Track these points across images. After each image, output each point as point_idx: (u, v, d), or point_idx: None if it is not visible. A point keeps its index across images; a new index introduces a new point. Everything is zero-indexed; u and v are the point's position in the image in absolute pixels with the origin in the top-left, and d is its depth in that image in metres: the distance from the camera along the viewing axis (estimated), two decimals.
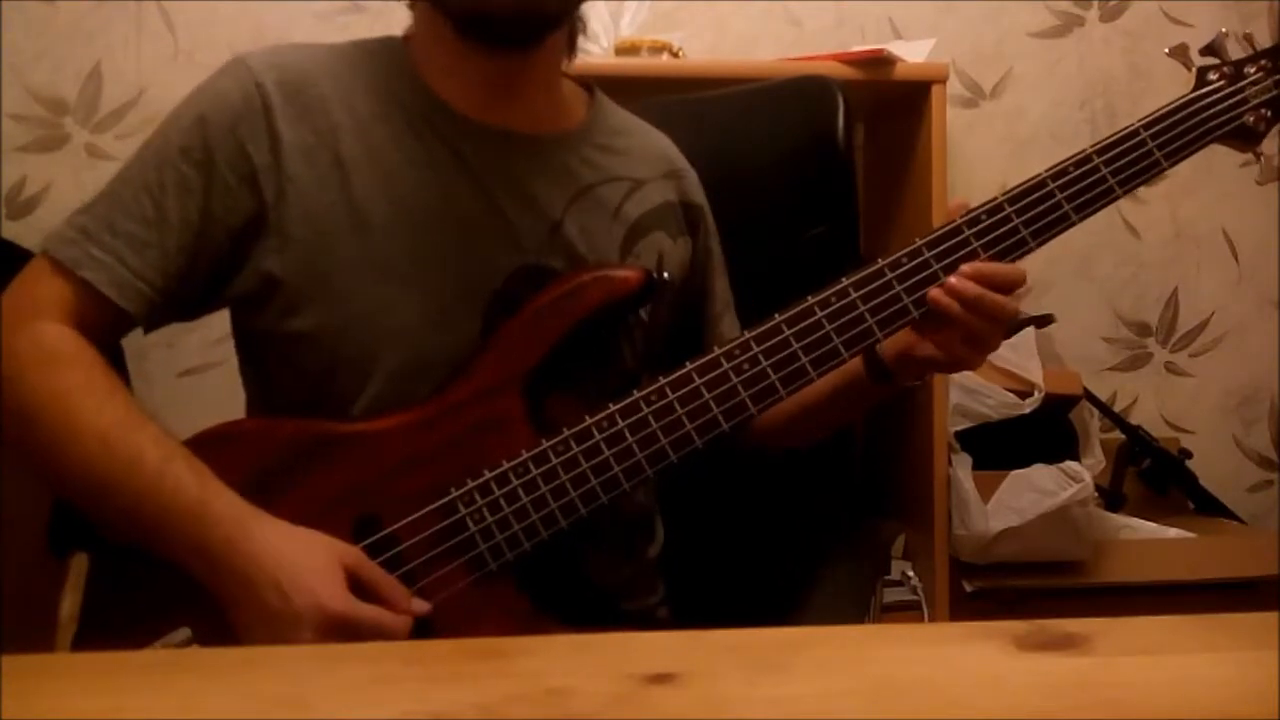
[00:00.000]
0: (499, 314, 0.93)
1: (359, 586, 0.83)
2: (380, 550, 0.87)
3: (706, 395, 0.89)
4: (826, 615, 1.04)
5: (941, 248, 0.90)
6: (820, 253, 1.18)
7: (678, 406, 0.89)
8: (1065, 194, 0.91)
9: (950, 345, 0.91)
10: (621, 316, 0.97)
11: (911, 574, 1.71)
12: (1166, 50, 0.96)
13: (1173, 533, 1.81)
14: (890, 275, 0.90)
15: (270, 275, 0.91)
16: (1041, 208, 0.91)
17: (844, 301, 0.90)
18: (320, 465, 0.89)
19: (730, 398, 0.89)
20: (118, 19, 1.94)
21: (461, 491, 0.88)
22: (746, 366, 0.89)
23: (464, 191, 0.94)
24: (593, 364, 0.96)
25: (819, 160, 1.20)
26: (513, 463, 0.88)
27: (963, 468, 1.67)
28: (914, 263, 0.90)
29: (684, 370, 0.90)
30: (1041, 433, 1.73)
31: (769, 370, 0.89)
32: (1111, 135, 0.92)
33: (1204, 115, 0.93)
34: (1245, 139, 0.95)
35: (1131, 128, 0.92)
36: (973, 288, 0.89)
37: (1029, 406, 1.69)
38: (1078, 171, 0.91)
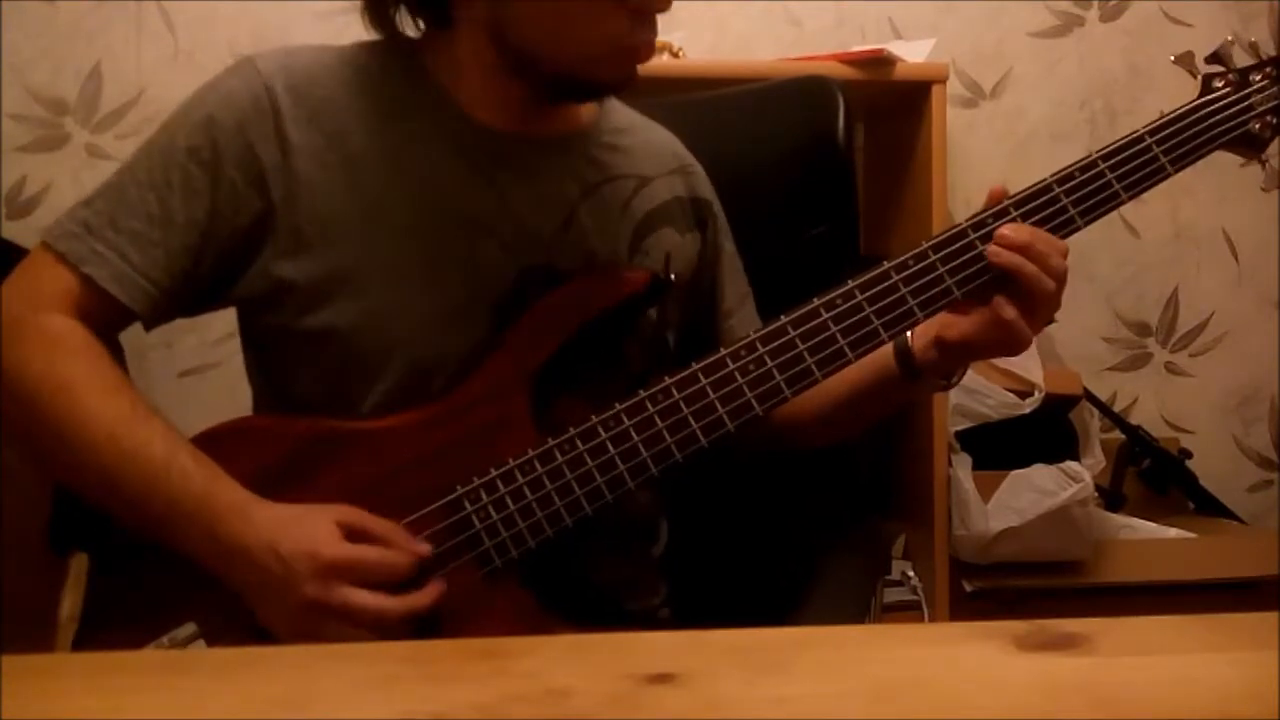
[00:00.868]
0: (508, 314, 0.93)
1: (357, 537, 0.84)
2: None
3: (712, 395, 0.89)
4: (826, 615, 1.04)
5: (947, 250, 0.90)
6: (820, 253, 1.18)
7: (683, 406, 0.89)
8: (1070, 198, 0.91)
9: (992, 323, 0.89)
10: (629, 317, 0.97)
11: (911, 574, 1.71)
12: (1172, 58, 0.96)
13: (1173, 533, 1.81)
14: (896, 278, 0.90)
15: (281, 276, 0.92)
16: (1047, 212, 0.91)
17: (850, 304, 0.90)
18: (328, 462, 0.90)
19: (736, 398, 0.89)
20: (118, 19, 1.94)
21: (467, 489, 0.88)
22: (752, 367, 0.90)
23: (474, 193, 0.95)
24: (600, 364, 0.96)
25: (819, 160, 1.20)
26: (518, 461, 0.88)
27: (963, 468, 1.67)
28: (919, 265, 0.90)
29: (690, 370, 0.90)
30: (1041, 433, 1.73)
31: (774, 371, 0.89)
32: (1117, 141, 0.92)
33: (1210, 122, 0.93)
34: (1250, 146, 0.95)
35: (1137, 134, 0.92)
36: (1021, 230, 0.88)
37: (1029, 406, 1.69)
38: (1083, 176, 0.91)
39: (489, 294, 0.93)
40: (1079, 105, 2.11)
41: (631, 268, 0.98)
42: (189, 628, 0.86)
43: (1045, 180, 0.91)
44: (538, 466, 0.88)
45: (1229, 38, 0.96)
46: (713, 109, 1.29)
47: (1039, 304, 0.88)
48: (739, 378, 0.89)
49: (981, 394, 1.70)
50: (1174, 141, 0.92)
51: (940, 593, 1.68)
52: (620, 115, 1.07)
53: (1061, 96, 2.10)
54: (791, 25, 2.05)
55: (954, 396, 1.70)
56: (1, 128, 1.91)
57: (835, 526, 1.19)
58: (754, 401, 0.89)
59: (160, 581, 0.87)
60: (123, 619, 0.89)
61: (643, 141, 1.06)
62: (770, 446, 1.09)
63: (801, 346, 0.89)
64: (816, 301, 0.90)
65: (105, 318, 0.91)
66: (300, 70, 0.94)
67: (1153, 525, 1.83)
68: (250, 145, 0.91)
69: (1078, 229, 0.91)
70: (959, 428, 1.71)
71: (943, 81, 1.70)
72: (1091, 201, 0.91)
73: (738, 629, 0.54)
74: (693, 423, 0.89)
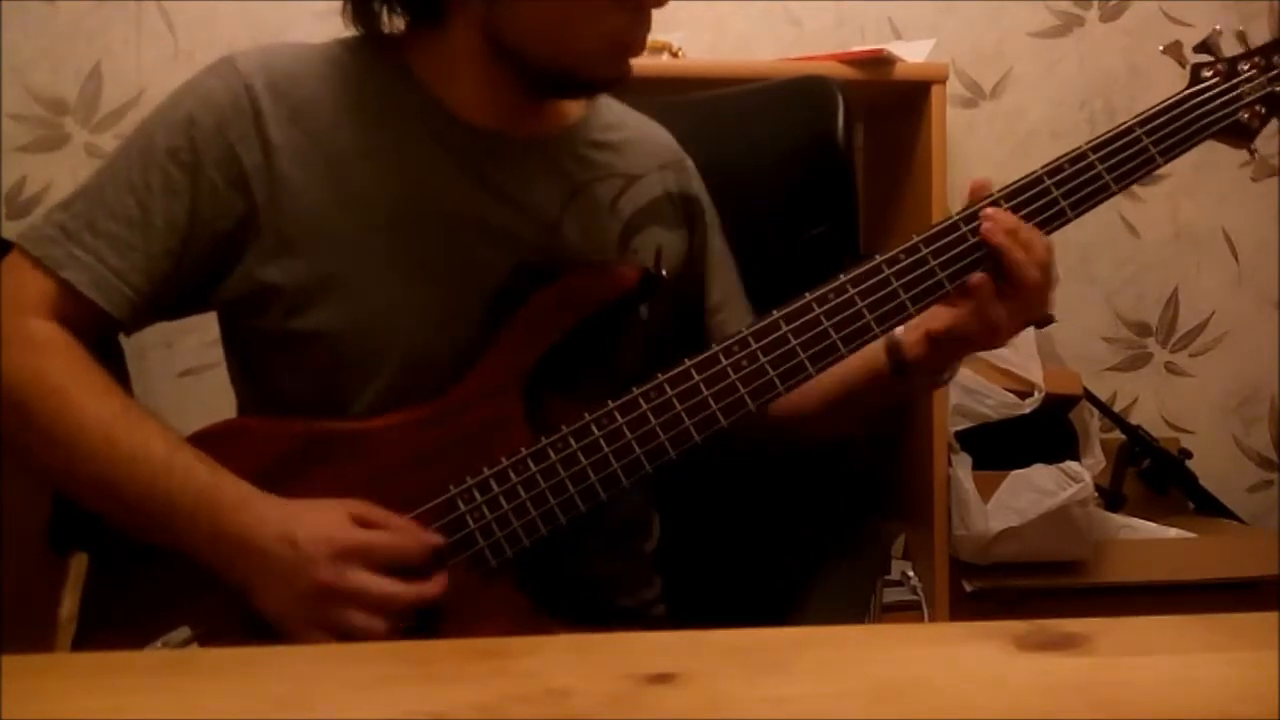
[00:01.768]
0: (499, 313, 0.93)
1: (370, 527, 0.84)
2: None
3: (705, 392, 0.89)
4: (826, 615, 1.04)
5: (938, 244, 0.90)
6: (820, 253, 1.18)
7: (677, 403, 0.89)
8: (1061, 190, 0.91)
9: (974, 314, 0.89)
10: (621, 315, 0.97)
11: (911, 574, 1.71)
12: (1161, 48, 0.96)
13: (1173, 533, 1.81)
14: (888, 272, 0.90)
15: (265, 279, 0.91)
16: (1037, 204, 0.91)
17: (842, 298, 0.90)
18: (321, 463, 0.89)
19: (729, 394, 0.89)
20: (118, 19, 1.94)
21: (460, 489, 0.88)
22: (745, 364, 0.89)
23: (461, 191, 0.94)
24: (593, 362, 0.96)
25: (819, 160, 1.20)
26: (511, 460, 0.88)
27: (963, 468, 1.67)
28: (911, 259, 0.90)
29: (683, 367, 0.90)
30: (1041, 433, 1.73)
31: (767, 367, 0.89)
32: (1107, 132, 0.92)
33: (1199, 112, 0.93)
34: (1240, 135, 0.95)
35: (1127, 125, 0.92)
36: (1008, 215, 0.89)
37: (1029, 406, 1.69)
38: (1073, 169, 0.91)
39: (479, 293, 0.93)
40: (1079, 105, 2.11)
41: (623, 264, 0.98)
42: (183, 631, 0.86)
43: (1035, 172, 0.92)
44: (531, 465, 0.88)
45: (1217, 27, 0.96)
46: (712, 109, 1.29)
47: (1021, 291, 0.89)
48: (732, 374, 0.89)
49: (981, 394, 1.70)
50: (1163, 132, 0.92)
51: (940, 593, 1.68)
52: (610, 112, 1.07)
53: (1061, 96, 2.10)
54: (791, 25, 2.05)
55: (954, 396, 1.70)
56: (1, 128, 1.91)
57: (835, 526, 1.19)
58: (747, 397, 0.89)
59: (157, 583, 0.87)
60: (119, 620, 0.89)
61: (632, 138, 1.06)
62: (764, 442, 1.09)
63: (794, 341, 0.89)
64: (809, 296, 0.90)
65: (85, 322, 0.90)
66: (280, 69, 0.94)
67: (1153, 525, 1.83)
68: (231, 146, 0.90)
69: (1068, 220, 0.91)
70: (959, 428, 1.71)
71: (943, 81, 1.70)
72: (1082, 193, 0.91)
73: (738, 629, 0.54)
74: (686, 419, 0.89)
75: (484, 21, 0.92)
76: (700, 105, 1.29)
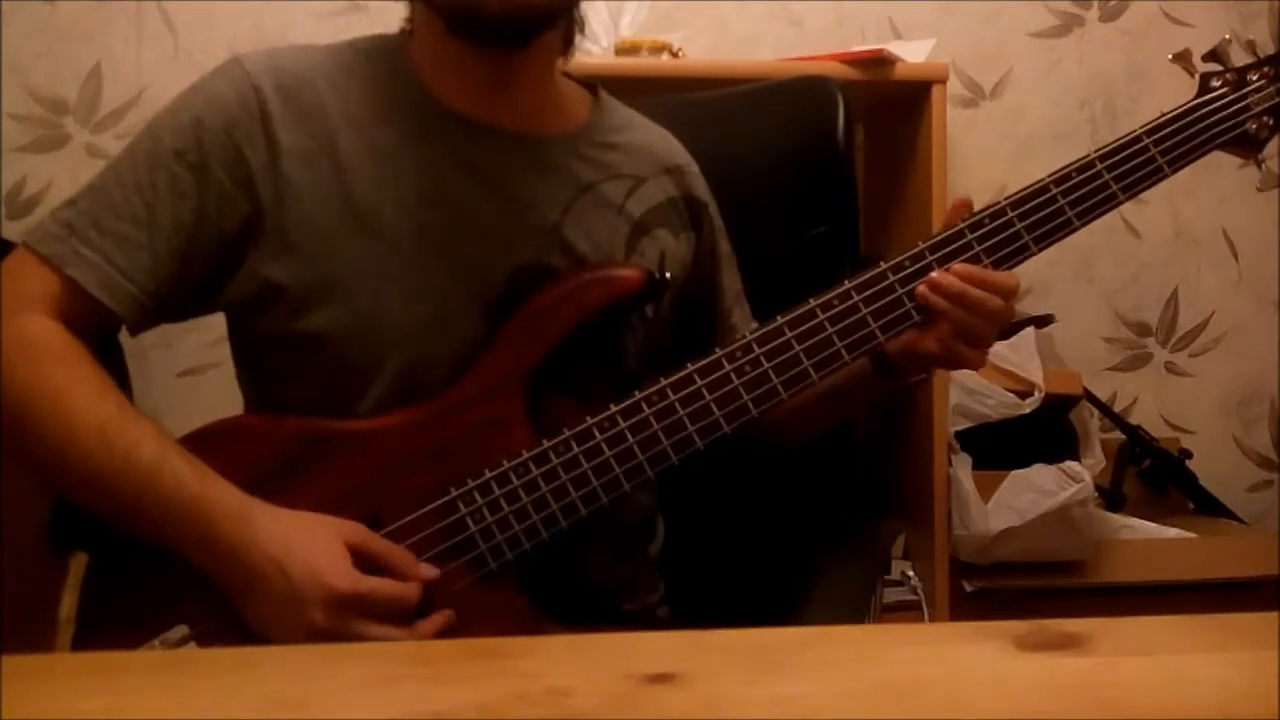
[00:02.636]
0: (501, 314, 0.93)
1: (364, 561, 0.83)
2: None
3: (708, 396, 0.89)
4: (826, 615, 1.04)
5: (943, 251, 0.90)
6: (820, 253, 1.18)
7: (679, 407, 0.89)
8: (1068, 199, 0.91)
9: (947, 341, 0.91)
10: (623, 316, 0.97)
11: (911, 574, 1.71)
12: (1170, 57, 0.96)
13: (1173, 533, 1.81)
14: (893, 278, 0.90)
15: (270, 279, 0.91)
16: (1044, 212, 0.90)
17: (846, 304, 0.90)
18: (321, 463, 0.89)
19: (732, 399, 0.89)
20: (118, 19, 1.94)
21: (461, 491, 0.88)
22: (748, 368, 0.89)
23: (465, 192, 0.94)
24: (595, 364, 0.96)
25: (819, 160, 1.20)
26: (513, 463, 0.88)
27: (963, 468, 1.67)
28: (916, 266, 0.90)
29: (686, 371, 0.90)
30: (1041, 433, 1.73)
31: (771, 373, 0.89)
32: (1115, 141, 0.92)
33: (1207, 122, 0.93)
34: (1247, 146, 0.95)
35: (1135, 134, 0.92)
36: (955, 282, 0.89)
37: (1029, 406, 1.69)
38: (1080, 176, 0.91)
39: (482, 294, 0.93)
40: (1079, 105, 2.11)
41: (626, 266, 0.98)
42: (180, 630, 0.86)
43: (1042, 181, 0.91)
44: (533, 468, 0.88)
45: (1226, 36, 0.96)
46: (712, 109, 1.29)
47: (974, 337, 0.91)
48: (735, 379, 0.89)
49: (981, 394, 1.70)
50: (1171, 142, 0.92)
51: (940, 593, 1.68)
52: (617, 115, 1.07)
53: (1061, 96, 2.10)
54: (791, 25, 2.05)
55: (954, 396, 1.70)
56: (1, 128, 1.91)
57: (835, 526, 1.19)
58: (750, 404, 0.89)
59: (156, 583, 0.87)
60: (118, 620, 0.89)
61: (639, 141, 1.06)
62: (750, 440, 1.09)
63: (798, 348, 0.89)
64: (813, 303, 0.90)
65: (89, 321, 0.89)
66: (288, 70, 0.93)
67: (1153, 525, 1.83)
68: (238, 147, 0.90)
69: (1075, 229, 0.91)
70: (959, 428, 1.71)
71: (943, 81, 1.70)
72: (1089, 202, 0.91)
73: (738, 629, 0.54)
74: (689, 425, 0.89)
75: None
76: (700, 105, 1.29)
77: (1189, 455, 2.03)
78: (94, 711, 0.47)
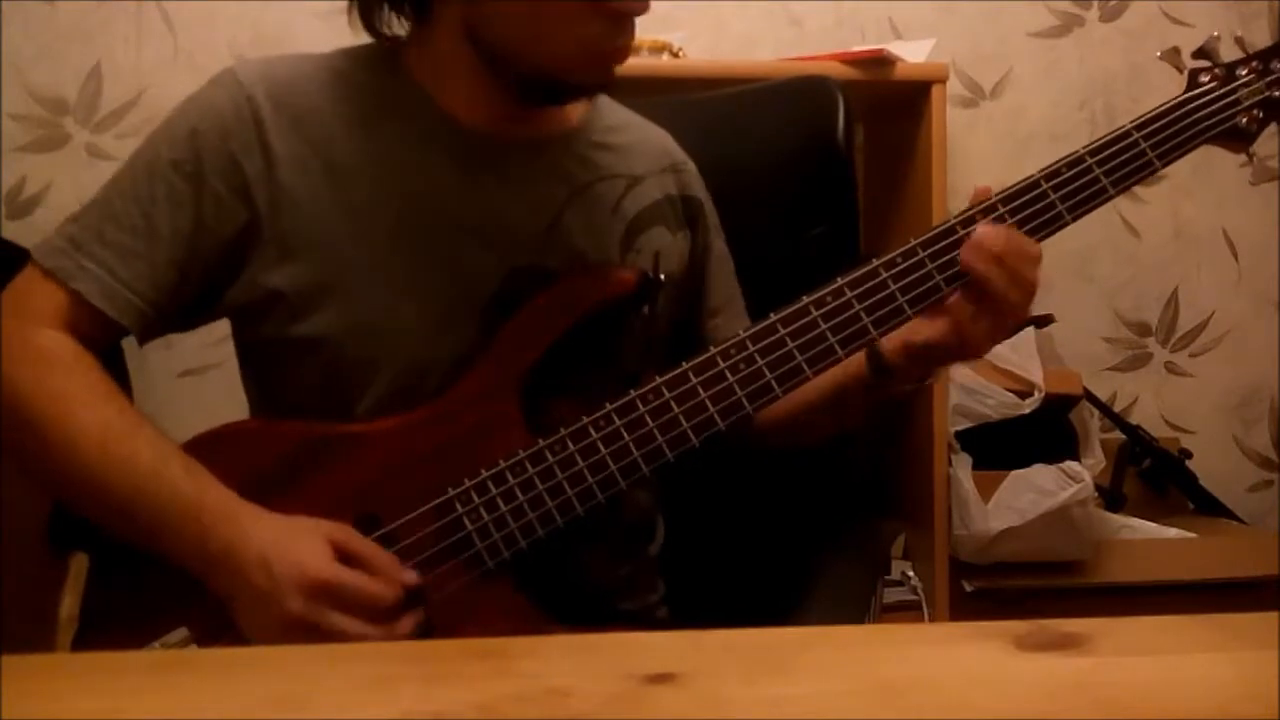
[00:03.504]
0: (497, 316, 0.93)
1: (348, 561, 0.84)
2: None
3: (703, 394, 0.89)
4: (826, 615, 1.04)
5: (936, 247, 0.90)
6: (821, 253, 1.18)
7: (674, 406, 0.89)
8: (1059, 194, 0.91)
9: (964, 321, 0.88)
10: (619, 317, 0.97)
11: (911, 574, 1.71)
12: (1158, 54, 0.97)
13: (1173, 533, 1.81)
14: (885, 275, 0.90)
15: (269, 286, 0.92)
16: (1035, 208, 0.91)
17: (839, 301, 0.90)
18: (319, 465, 0.89)
19: (726, 396, 0.89)
20: (118, 19, 1.94)
21: (458, 491, 0.88)
22: (743, 366, 0.89)
23: (460, 195, 0.94)
24: (591, 365, 0.96)
25: (819, 160, 1.20)
26: (509, 462, 0.88)
27: (963, 468, 1.67)
28: (909, 262, 0.90)
29: (680, 370, 0.90)
30: (1041, 433, 1.73)
31: (765, 369, 0.89)
32: (1104, 136, 0.92)
33: (1196, 116, 0.93)
34: (1238, 140, 0.95)
35: (1124, 128, 0.92)
36: (997, 239, 0.87)
37: (1029, 406, 1.69)
38: (1070, 172, 0.91)
39: (478, 296, 0.93)
40: (1079, 105, 2.11)
41: (620, 267, 0.98)
42: (180, 633, 0.86)
43: (1033, 176, 0.91)
44: (529, 467, 0.88)
45: (1215, 33, 0.96)
46: (713, 109, 1.29)
47: (1000, 310, 0.88)
48: (729, 376, 0.89)
49: (981, 394, 1.70)
50: (1160, 136, 0.92)
51: (940, 593, 1.68)
52: (612, 114, 1.07)
53: (1061, 96, 2.11)
54: (791, 25, 2.05)
55: (954, 396, 1.70)
56: (1, 128, 1.91)
57: (835, 526, 1.19)
58: (744, 400, 0.89)
59: (156, 584, 0.87)
60: (119, 621, 0.89)
61: (634, 140, 1.06)
62: (747, 448, 1.09)
63: (791, 344, 0.89)
64: (806, 300, 0.90)
65: (96, 332, 0.91)
66: (282, 79, 0.94)
67: (1153, 525, 1.83)
68: (233, 156, 0.91)
69: (1066, 225, 0.91)
70: (959, 428, 1.71)
71: (943, 81, 1.71)
72: (1079, 197, 0.91)
73: (738, 629, 0.54)
74: (683, 422, 0.89)
75: (464, 22, 0.92)
76: (700, 105, 1.29)
77: (1189, 455, 2.03)
78: (94, 711, 0.47)
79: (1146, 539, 1.79)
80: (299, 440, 0.90)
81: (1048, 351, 1.80)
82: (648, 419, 0.89)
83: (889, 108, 1.80)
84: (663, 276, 0.98)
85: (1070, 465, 1.64)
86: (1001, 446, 1.70)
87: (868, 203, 1.56)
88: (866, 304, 0.90)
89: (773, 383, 0.89)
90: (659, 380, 0.90)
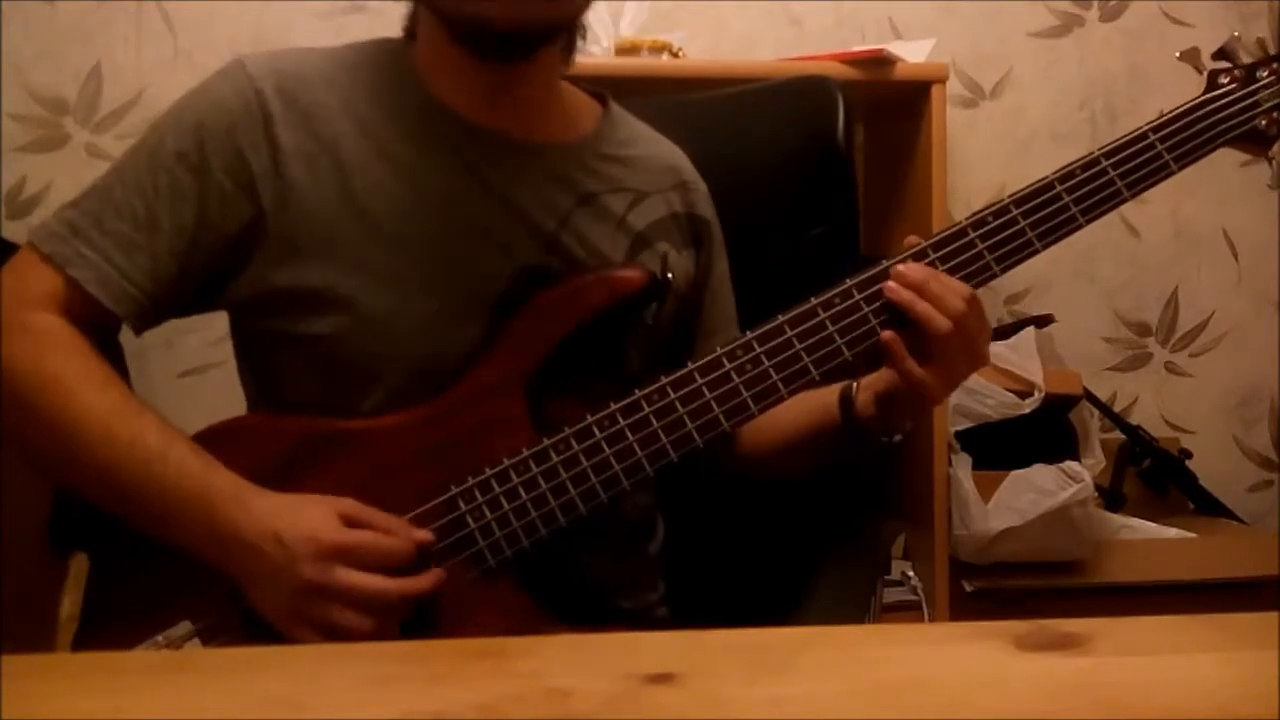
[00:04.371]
0: (504, 315, 0.93)
1: (358, 527, 0.84)
2: None
3: (708, 395, 0.89)
4: (826, 615, 1.04)
5: (947, 249, 0.90)
6: (821, 252, 1.18)
7: (679, 406, 0.89)
8: (1072, 196, 0.90)
9: (904, 359, 0.88)
10: (625, 317, 0.97)
11: (911, 574, 1.71)
12: (1178, 54, 0.96)
13: (1173, 533, 1.81)
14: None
15: (274, 283, 0.91)
16: (1048, 210, 0.90)
17: (847, 303, 0.90)
18: (323, 461, 0.89)
19: (732, 397, 0.89)
20: (118, 19, 1.94)
21: (461, 488, 0.88)
22: (749, 367, 0.89)
23: (467, 194, 0.94)
24: (596, 365, 0.96)
25: (819, 160, 1.20)
26: (513, 460, 0.88)
27: (963, 468, 1.67)
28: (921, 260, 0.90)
29: (686, 370, 0.90)
30: (1041, 433, 1.73)
31: (771, 371, 0.89)
32: (1120, 138, 0.92)
33: (1215, 119, 0.93)
34: (1257, 142, 0.94)
35: (1140, 131, 0.92)
36: (917, 269, 0.88)
37: (1029, 406, 1.69)
38: (1085, 174, 0.90)
39: (485, 295, 0.93)
40: (1079, 105, 2.11)
41: (628, 266, 0.98)
42: (184, 626, 0.86)
43: (1047, 178, 0.91)
44: (532, 466, 0.88)
45: (1235, 34, 0.96)
46: (713, 109, 1.29)
47: (936, 344, 0.87)
48: (735, 377, 0.89)
49: (981, 394, 1.70)
50: (1179, 138, 0.91)
51: (940, 593, 1.68)
52: (625, 128, 1.07)
53: (1061, 96, 2.10)
54: (791, 25, 2.05)
55: (954, 396, 1.70)
56: (1, 128, 1.91)
57: (835, 526, 1.19)
58: (750, 401, 0.89)
59: (158, 580, 0.87)
60: (121, 618, 0.89)
61: (645, 155, 1.06)
62: (724, 466, 1.10)
63: (799, 346, 0.89)
64: (814, 301, 0.90)
65: (91, 320, 0.90)
66: (290, 73, 0.94)
67: (1153, 525, 1.83)
68: (240, 150, 0.91)
69: (1080, 227, 0.91)
70: (959, 428, 1.71)
71: (943, 81, 1.71)
72: (1094, 199, 0.90)
73: (738, 629, 0.54)
74: (688, 423, 0.89)
75: None
76: (700, 105, 1.29)
77: (1189, 455, 2.03)
78: (94, 711, 0.47)
79: (1146, 539, 1.79)
80: (301, 436, 0.90)
81: (1048, 351, 1.80)
82: (652, 419, 0.89)
83: (889, 108, 1.80)
84: (669, 277, 0.98)
85: (1070, 465, 1.64)
86: (1001, 446, 1.70)
87: (868, 203, 1.56)
88: (874, 306, 0.89)
89: (779, 383, 0.89)
90: (664, 380, 0.89)
